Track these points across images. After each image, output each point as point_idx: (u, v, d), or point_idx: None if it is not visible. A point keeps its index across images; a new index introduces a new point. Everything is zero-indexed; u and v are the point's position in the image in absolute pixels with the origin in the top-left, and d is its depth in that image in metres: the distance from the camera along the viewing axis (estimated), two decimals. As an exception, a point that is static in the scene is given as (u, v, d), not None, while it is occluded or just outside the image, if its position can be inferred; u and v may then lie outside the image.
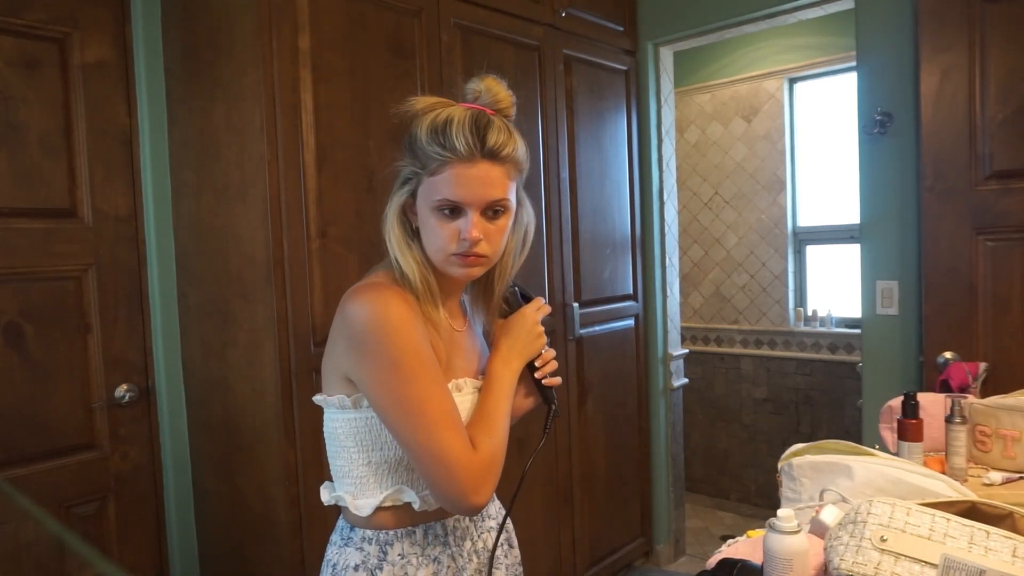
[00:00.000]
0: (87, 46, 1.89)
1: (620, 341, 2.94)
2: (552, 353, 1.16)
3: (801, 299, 3.81)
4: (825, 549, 0.93)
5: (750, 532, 1.19)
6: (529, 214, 1.11)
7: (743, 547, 1.09)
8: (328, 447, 1.07)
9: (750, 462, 3.89)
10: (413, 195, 1.03)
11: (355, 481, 1.03)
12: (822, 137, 3.68)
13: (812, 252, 3.78)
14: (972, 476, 1.48)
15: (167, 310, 2.05)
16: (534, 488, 2.52)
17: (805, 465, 1.26)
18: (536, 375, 1.15)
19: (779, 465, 1.32)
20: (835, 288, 3.72)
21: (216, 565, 2.05)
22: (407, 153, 1.03)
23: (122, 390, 1.95)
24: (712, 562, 1.01)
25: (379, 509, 1.03)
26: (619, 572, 3.01)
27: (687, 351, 3.34)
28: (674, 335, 3.20)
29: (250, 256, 1.82)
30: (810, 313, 3.74)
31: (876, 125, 2.33)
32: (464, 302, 1.18)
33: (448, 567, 1.06)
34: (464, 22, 2.24)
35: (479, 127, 0.97)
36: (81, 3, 1.88)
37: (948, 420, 1.47)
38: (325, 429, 1.07)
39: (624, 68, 2.96)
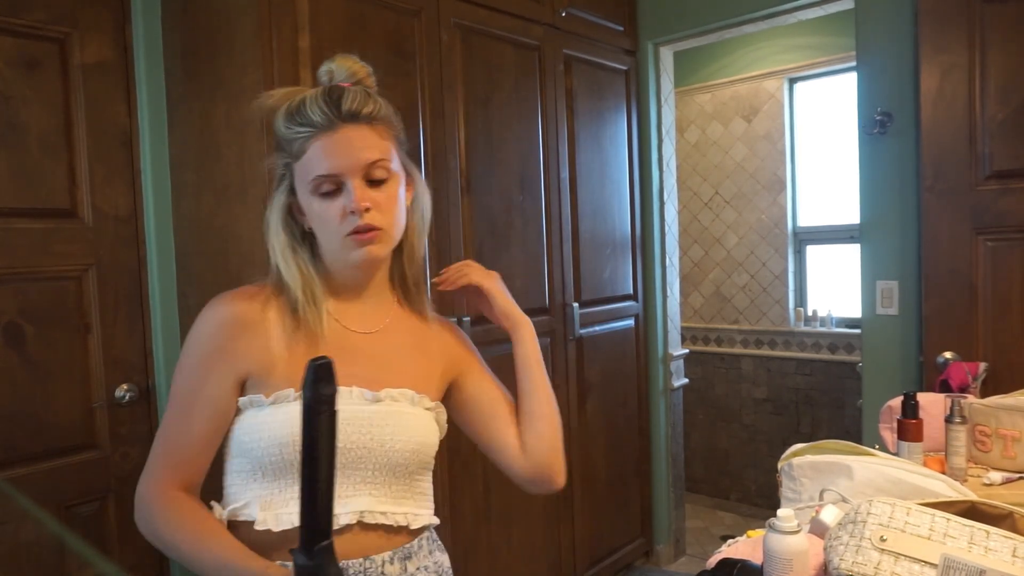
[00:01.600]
0: (87, 46, 1.89)
1: (620, 341, 2.94)
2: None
3: (801, 299, 3.81)
4: (825, 549, 0.93)
5: (750, 532, 1.19)
6: (424, 188, 1.04)
7: (743, 547, 1.09)
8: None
9: (750, 462, 3.89)
10: (293, 191, 0.97)
11: (224, 491, 0.98)
12: (822, 137, 3.68)
13: (812, 252, 3.78)
14: (972, 476, 1.48)
15: (167, 310, 2.05)
16: (534, 488, 2.52)
17: (805, 465, 1.26)
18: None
19: (779, 465, 1.32)
20: (835, 288, 3.72)
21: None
22: (275, 151, 0.98)
23: (122, 390, 1.95)
24: (712, 562, 1.01)
25: (232, 523, 0.93)
26: (619, 572, 3.01)
27: (687, 351, 3.34)
28: (674, 335, 3.20)
29: (250, 256, 1.82)
30: (810, 313, 3.74)
31: (876, 125, 2.33)
32: (397, 303, 1.08)
33: None
34: (464, 22, 2.24)
35: (332, 96, 0.93)
36: (81, 3, 1.88)
37: (948, 420, 1.47)
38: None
39: (624, 68, 2.96)
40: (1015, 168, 2.02)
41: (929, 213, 2.15)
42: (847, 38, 3.26)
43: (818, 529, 1.03)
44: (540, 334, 2.53)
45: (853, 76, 2.57)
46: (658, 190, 3.09)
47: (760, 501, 3.84)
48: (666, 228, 3.11)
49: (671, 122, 3.16)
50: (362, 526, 0.94)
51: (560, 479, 1.13)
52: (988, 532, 0.87)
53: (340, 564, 0.87)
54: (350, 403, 0.94)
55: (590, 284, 2.78)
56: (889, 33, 2.33)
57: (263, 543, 0.90)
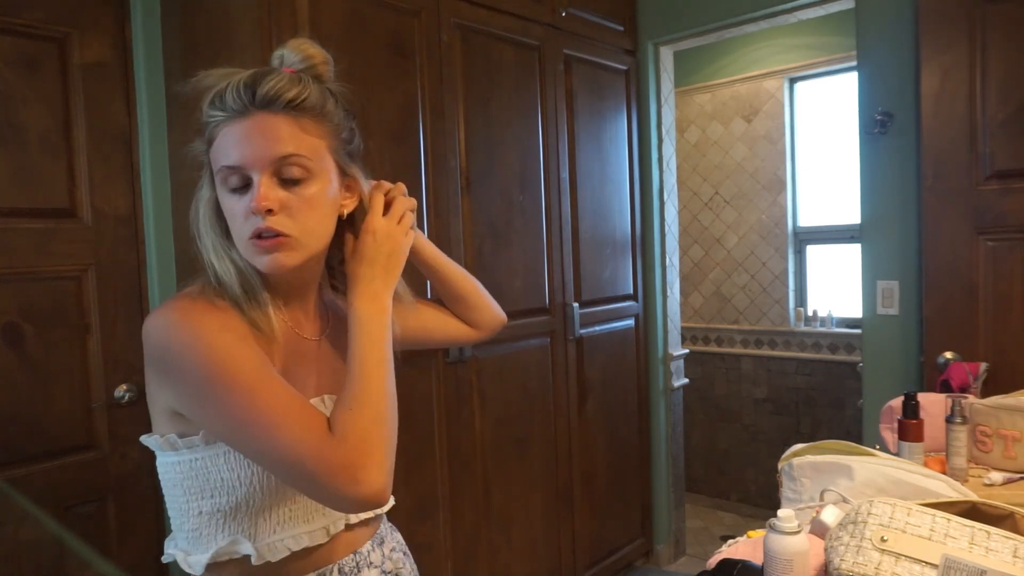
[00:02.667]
0: (87, 46, 1.89)
1: (620, 341, 2.94)
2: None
3: (801, 299, 3.81)
4: (825, 549, 0.93)
5: (750, 532, 1.19)
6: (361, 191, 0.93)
7: (743, 547, 1.09)
8: (164, 495, 0.90)
9: (750, 462, 3.89)
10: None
11: (187, 534, 0.87)
12: (822, 137, 3.67)
13: (812, 252, 3.78)
14: (973, 476, 1.48)
15: (167, 310, 2.05)
16: (534, 488, 2.52)
17: (805, 465, 1.26)
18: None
19: (779, 465, 1.32)
20: (835, 288, 3.71)
21: (216, 565, 2.05)
22: (198, 135, 0.87)
23: (122, 390, 1.94)
24: (712, 562, 1.01)
25: (215, 565, 0.86)
26: (619, 572, 3.00)
27: (687, 351, 3.33)
28: (674, 335, 3.20)
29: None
30: (810, 313, 3.74)
31: (876, 125, 2.33)
32: (332, 304, 1.02)
33: None
34: (464, 22, 2.24)
35: (256, 78, 0.81)
36: (81, 3, 1.88)
37: (948, 420, 1.47)
38: (159, 475, 0.90)
39: (624, 68, 2.96)
40: (1016, 168, 2.02)
41: (930, 213, 2.14)
42: (847, 38, 3.26)
43: (818, 529, 1.03)
44: (540, 334, 2.56)
45: (853, 76, 2.57)
46: (658, 190, 3.09)
47: (760, 501, 3.84)
48: (666, 228, 3.11)
49: (671, 122, 3.15)
50: (347, 526, 0.94)
51: (503, 315, 1.20)
52: (989, 532, 0.87)
53: (335, 566, 0.90)
54: (325, 411, 0.88)
55: (590, 284, 2.77)
56: (889, 33, 2.33)
57: (258, 573, 0.87)
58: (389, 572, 1.00)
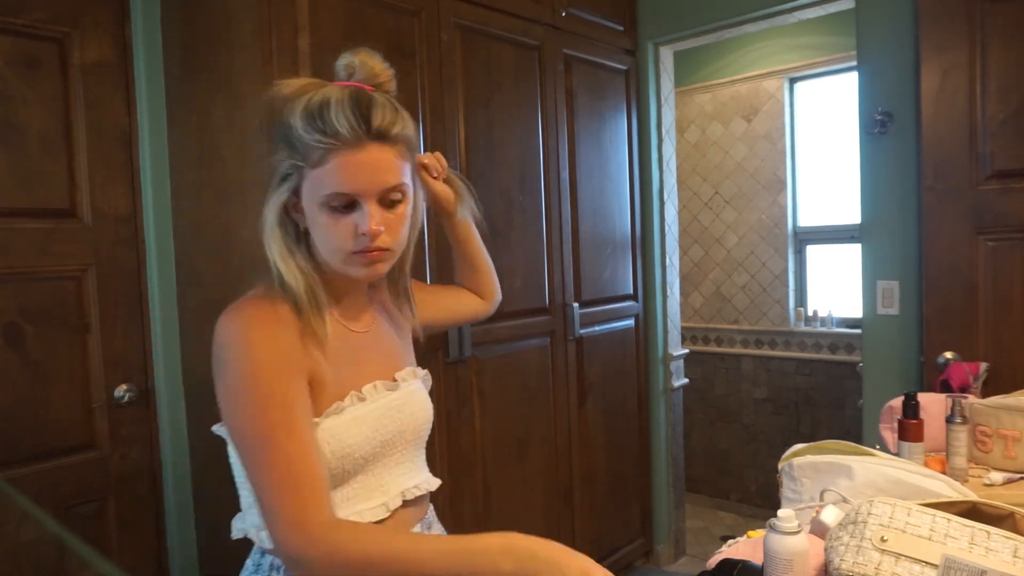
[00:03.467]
0: (87, 46, 1.89)
1: (620, 341, 2.94)
2: None
3: (801, 299, 3.81)
4: (826, 549, 0.93)
5: (750, 532, 1.19)
6: (420, 199, 1.05)
7: (743, 547, 1.09)
8: (236, 478, 0.99)
9: (750, 462, 3.89)
10: (296, 192, 0.92)
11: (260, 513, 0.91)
12: (822, 137, 3.67)
13: (812, 252, 3.78)
14: (973, 476, 1.48)
15: (167, 310, 2.05)
16: (534, 488, 2.52)
17: (805, 465, 1.26)
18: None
19: (779, 465, 1.32)
20: (835, 288, 3.71)
21: (216, 565, 2.05)
22: (282, 145, 0.91)
23: (122, 390, 1.95)
24: (712, 562, 1.01)
25: None
26: (619, 572, 3.00)
27: (687, 351, 3.34)
28: (674, 335, 3.20)
29: (250, 256, 1.82)
30: (810, 313, 3.74)
31: (876, 125, 2.33)
32: (377, 293, 1.10)
33: None
34: (464, 22, 2.24)
35: (360, 106, 0.86)
36: (81, 3, 1.88)
37: (949, 420, 1.47)
38: (231, 460, 0.98)
39: (624, 68, 2.96)
40: (1016, 168, 2.02)
41: (930, 213, 2.14)
42: (847, 38, 3.26)
43: (819, 529, 1.03)
44: (540, 334, 2.56)
45: (853, 76, 2.57)
46: (658, 190, 3.09)
47: (760, 501, 3.84)
48: (666, 228, 3.11)
49: (671, 122, 3.15)
50: (403, 504, 1.01)
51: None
52: (989, 532, 0.87)
53: None
54: (377, 397, 0.98)
55: (590, 284, 2.77)
56: (889, 33, 2.33)
57: None
58: None
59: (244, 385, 0.85)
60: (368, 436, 0.95)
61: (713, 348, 4.01)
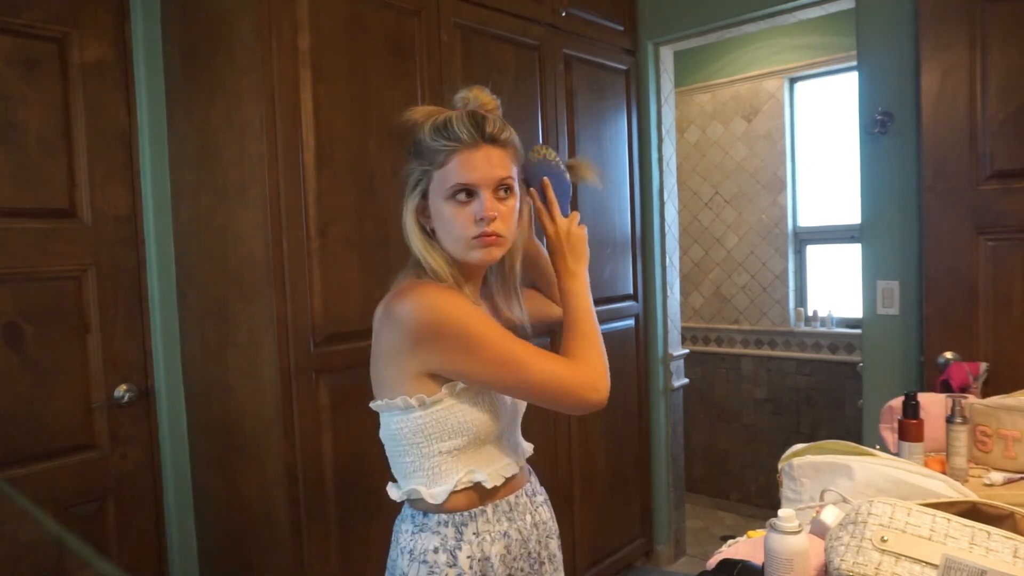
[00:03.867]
0: (87, 46, 1.89)
1: (620, 341, 2.93)
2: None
3: (801, 299, 3.81)
4: (826, 549, 0.93)
5: (750, 532, 1.19)
6: (527, 206, 1.23)
7: (743, 547, 1.09)
8: (390, 448, 1.15)
9: (750, 462, 3.89)
10: (424, 196, 1.12)
11: (427, 472, 1.10)
12: (822, 137, 3.67)
13: (812, 252, 3.78)
14: (973, 476, 1.48)
15: (167, 310, 2.05)
16: (534, 488, 2.52)
17: (806, 465, 1.26)
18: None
19: (779, 465, 1.32)
20: (835, 288, 3.71)
21: (216, 565, 2.05)
22: (413, 159, 1.12)
23: (122, 390, 1.95)
24: (713, 562, 1.01)
25: (453, 493, 1.10)
26: (619, 572, 3.00)
27: (687, 351, 3.33)
28: (674, 335, 3.20)
29: (250, 256, 1.82)
30: (810, 313, 3.74)
31: (877, 125, 2.33)
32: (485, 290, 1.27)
33: (516, 540, 1.16)
34: (464, 22, 2.24)
35: (476, 119, 1.09)
36: (81, 3, 1.88)
37: (949, 420, 1.47)
38: (384, 432, 1.15)
39: (624, 68, 2.96)
40: (1016, 168, 2.02)
41: (930, 213, 2.14)
42: (847, 38, 3.26)
43: (819, 529, 1.03)
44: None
45: (853, 76, 2.57)
46: (658, 190, 3.09)
47: (760, 501, 3.84)
48: (666, 228, 3.11)
49: (671, 122, 3.15)
50: (520, 467, 1.22)
51: None
52: (989, 532, 0.87)
53: (522, 489, 1.21)
54: None
55: (590, 284, 2.77)
56: (889, 33, 2.33)
57: (485, 497, 1.13)
58: (544, 503, 1.28)
59: (478, 336, 1.04)
60: (510, 403, 1.17)
61: (713, 348, 4.01)
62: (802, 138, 3.74)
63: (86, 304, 1.90)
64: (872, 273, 2.41)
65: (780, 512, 0.92)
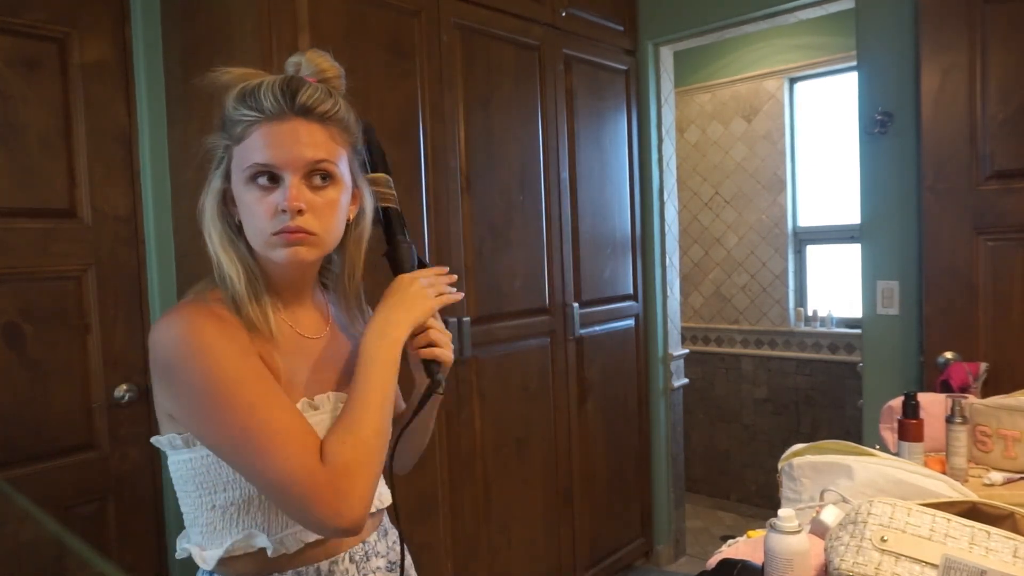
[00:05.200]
0: (87, 46, 1.89)
1: (620, 341, 2.93)
2: (438, 324, 0.97)
3: (801, 299, 3.81)
4: (826, 549, 0.93)
5: (750, 532, 1.19)
6: (370, 203, 0.97)
7: (743, 547, 1.09)
8: (176, 491, 0.93)
9: (750, 462, 3.89)
10: (227, 178, 0.89)
11: (202, 529, 0.89)
12: (822, 137, 3.67)
13: (812, 252, 3.78)
14: (973, 476, 1.48)
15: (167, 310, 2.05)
16: (534, 488, 2.52)
17: (805, 465, 1.26)
18: (411, 345, 0.95)
19: (779, 465, 1.32)
20: (835, 288, 3.71)
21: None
22: (216, 130, 0.90)
23: (122, 390, 1.94)
24: (712, 562, 1.01)
25: (229, 559, 0.88)
26: (619, 572, 3.00)
27: (687, 351, 3.33)
28: (674, 335, 3.20)
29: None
30: (810, 313, 3.74)
31: (876, 125, 2.33)
32: (328, 302, 1.04)
33: None
34: (464, 22, 2.24)
35: (290, 85, 0.86)
36: (81, 3, 1.88)
37: (949, 420, 1.47)
38: (170, 473, 0.92)
39: (624, 68, 2.96)
40: (1016, 168, 2.02)
41: (930, 213, 2.14)
42: (847, 38, 3.26)
43: (819, 529, 1.03)
44: (540, 334, 2.56)
45: (853, 76, 2.57)
46: (658, 190, 3.09)
47: (760, 501, 3.84)
48: (666, 228, 3.11)
49: (671, 122, 3.15)
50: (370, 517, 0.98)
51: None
52: (989, 533, 0.87)
53: (346, 554, 0.95)
54: (331, 408, 0.93)
55: (590, 284, 2.77)
56: (889, 33, 2.33)
57: (274, 567, 0.90)
58: (393, 562, 1.03)
59: (214, 393, 0.80)
60: None
61: (713, 348, 4.01)
62: (802, 138, 3.74)
63: (86, 304, 1.90)
64: (872, 273, 2.41)
65: (780, 512, 0.92)
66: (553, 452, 2.60)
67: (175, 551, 0.95)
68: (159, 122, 2.03)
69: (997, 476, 1.45)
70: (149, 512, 2.01)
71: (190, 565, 0.92)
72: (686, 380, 3.31)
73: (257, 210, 0.85)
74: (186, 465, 0.88)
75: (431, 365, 0.95)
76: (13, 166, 1.76)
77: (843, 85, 3.55)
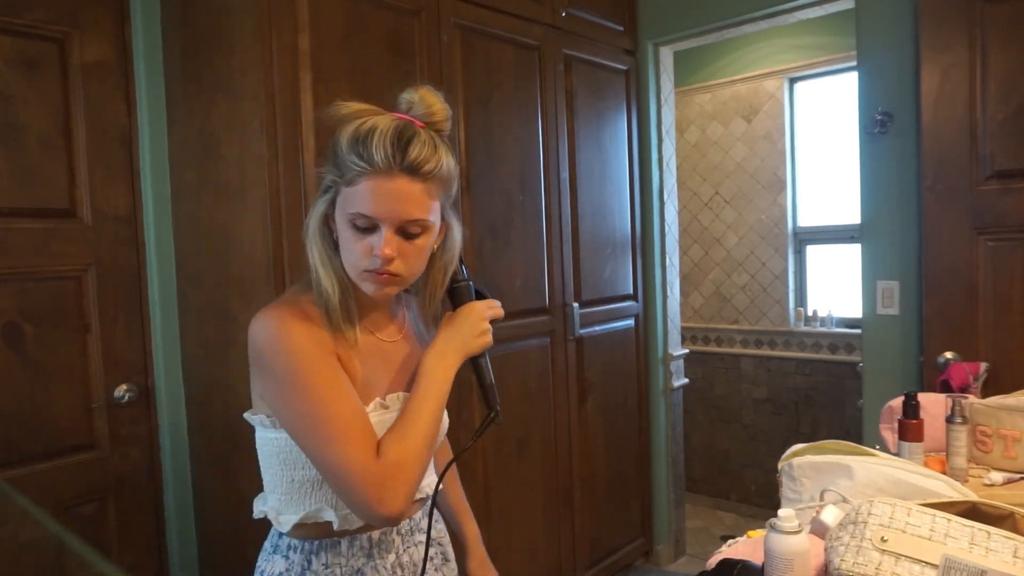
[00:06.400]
0: (87, 46, 1.89)
1: (620, 341, 2.93)
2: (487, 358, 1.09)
3: (801, 299, 3.81)
4: (826, 549, 0.93)
5: (750, 532, 1.19)
6: (458, 234, 1.06)
7: (743, 547, 1.09)
8: (260, 462, 1.06)
9: (750, 462, 3.89)
10: (332, 204, 0.99)
11: (280, 497, 1.03)
12: (822, 137, 3.67)
13: (812, 252, 3.78)
14: (973, 476, 1.48)
15: (167, 310, 2.05)
16: (534, 488, 2.52)
17: (805, 465, 1.26)
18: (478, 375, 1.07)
19: (779, 465, 1.32)
20: (835, 288, 3.71)
21: (215, 565, 2.05)
22: (329, 160, 0.98)
23: (122, 390, 1.94)
24: (712, 562, 1.01)
25: (301, 525, 1.02)
26: (619, 572, 3.00)
27: (687, 351, 3.33)
28: (674, 335, 3.20)
29: (250, 256, 1.82)
30: (810, 313, 3.74)
31: (876, 125, 2.33)
32: (404, 308, 1.15)
33: None
34: (464, 22, 2.24)
35: (401, 139, 0.92)
36: (81, 3, 1.88)
37: (949, 420, 1.47)
38: (257, 445, 1.06)
39: (624, 68, 2.96)
40: (1016, 168, 2.02)
41: (930, 213, 2.14)
42: (847, 38, 3.26)
43: (819, 529, 1.03)
44: (540, 334, 2.56)
45: (853, 76, 2.57)
46: (658, 190, 3.09)
47: (760, 501, 3.84)
48: (666, 228, 3.11)
49: (671, 122, 3.15)
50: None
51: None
52: (989, 533, 0.87)
53: (395, 529, 1.08)
54: (399, 408, 1.03)
55: (590, 284, 2.77)
56: (889, 33, 2.33)
57: (336, 535, 1.03)
58: (434, 539, 1.16)
59: (295, 382, 0.93)
60: None
61: (713, 348, 4.01)
62: (802, 138, 3.74)
63: (86, 304, 1.90)
64: (872, 273, 2.41)
65: (780, 512, 0.92)
66: (553, 452, 2.60)
67: (252, 513, 1.08)
68: (159, 122, 2.03)
69: (997, 476, 1.45)
70: (149, 512, 2.01)
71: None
72: (686, 380, 3.31)
73: (354, 248, 0.96)
74: (273, 443, 1.01)
75: (492, 395, 1.06)
76: (13, 166, 1.77)
77: (843, 85, 3.55)
